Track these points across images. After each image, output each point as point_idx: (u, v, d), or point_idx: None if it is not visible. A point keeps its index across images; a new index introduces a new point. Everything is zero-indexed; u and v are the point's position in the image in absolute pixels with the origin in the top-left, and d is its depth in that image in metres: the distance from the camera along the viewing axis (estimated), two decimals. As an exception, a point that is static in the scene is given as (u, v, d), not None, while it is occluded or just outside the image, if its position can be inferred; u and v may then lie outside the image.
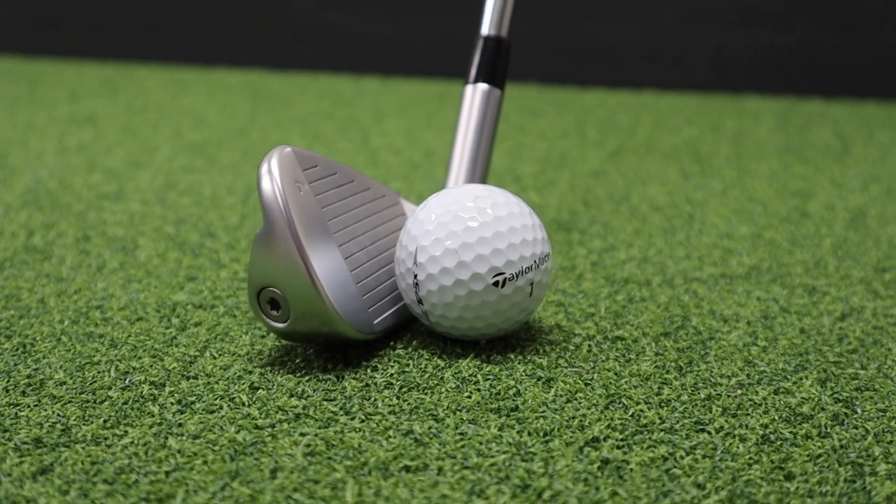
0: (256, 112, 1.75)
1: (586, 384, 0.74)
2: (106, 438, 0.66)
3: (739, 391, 0.73)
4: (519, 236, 0.77)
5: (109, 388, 0.73)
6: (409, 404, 0.71)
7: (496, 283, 0.76)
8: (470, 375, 0.75)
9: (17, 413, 0.69)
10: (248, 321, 0.84)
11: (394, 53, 2.10)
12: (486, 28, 0.98)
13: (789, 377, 0.75)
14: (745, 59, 1.94)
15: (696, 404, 0.71)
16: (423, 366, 0.76)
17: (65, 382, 0.73)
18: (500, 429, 0.68)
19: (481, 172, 0.94)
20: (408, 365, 0.76)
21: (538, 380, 0.74)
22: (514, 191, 1.17)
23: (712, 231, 1.11)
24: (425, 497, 0.60)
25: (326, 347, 0.79)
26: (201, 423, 0.68)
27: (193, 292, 0.90)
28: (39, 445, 0.65)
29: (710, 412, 0.70)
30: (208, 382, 0.73)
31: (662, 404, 0.71)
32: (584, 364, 0.77)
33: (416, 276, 0.77)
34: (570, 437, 0.67)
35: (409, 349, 0.79)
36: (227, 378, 0.74)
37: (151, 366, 0.76)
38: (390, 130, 1.61)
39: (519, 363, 0.77)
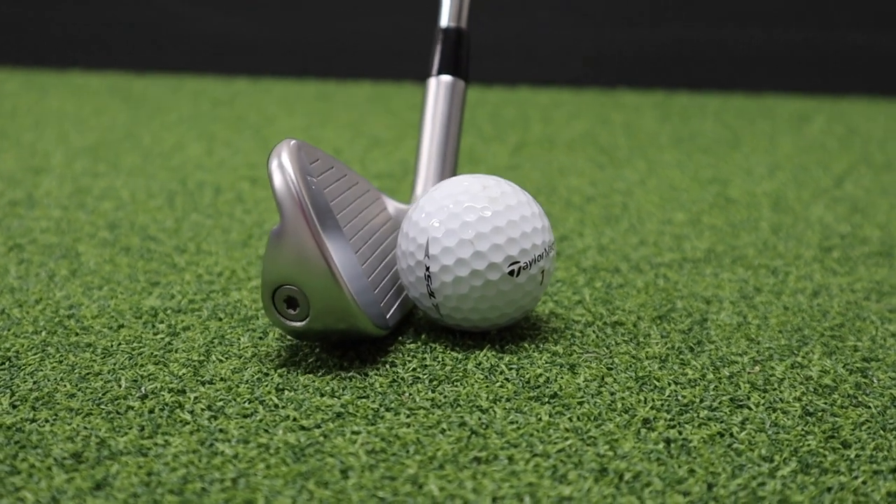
0: (137, 115, 1.70)
1: (609, 368, 0.74)
2: (150, 448, 0.63)
3: (757, 367, 0.75)
4: (530, 225, 0.77)
5: (125, 398, 0.69)
6: (445, 397, 0.70)
7: (511, 273, 0.75)
8: (493, 366, 0.74)
9: (38, 429, 0.65)
10: (238, 322, 0.82)
11: (261, 54, 2.06)
12: (445, 20, 0.97)
13: (796, 352, 0.77)
14: (615, 56, 1.99)
15: (723, 382, 0.73)
16: (440, 359, 0.76)
17: (74, 395, 0.69)
18: (550, 415, 0.67)
19: (451, 165, 0.93)
20: (425, 359, 0.75)
21: (561, 367, 0.74)
22: None
23: (652, 218, 1.13)
24: (511, 486, 0.59)
25: (335, 346, 0.77)
26: (242, 427, 0.66)
27: (165, 297, 0.86)
28: (82, 460, 0.62)
29: (740, 388, 0.71)
30: (229, 387, 0.71)
31: (692, 384, 0.72)
32: (598, 349, 0.77)
33: (427, 269, 0.76)
34: (621, 420, 0.67)
35: (419, 343, 0.78)
36: (247, 381, 0.71)
37: (160, 373, 0.74)
38: (287, 130, 1.58)
39: (534, 352, 0.77)
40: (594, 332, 0.81)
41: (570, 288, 0.90)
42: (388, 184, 1.25)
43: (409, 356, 0.75)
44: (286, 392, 0.70)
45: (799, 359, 0.76)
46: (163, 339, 0.78)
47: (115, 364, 0.74)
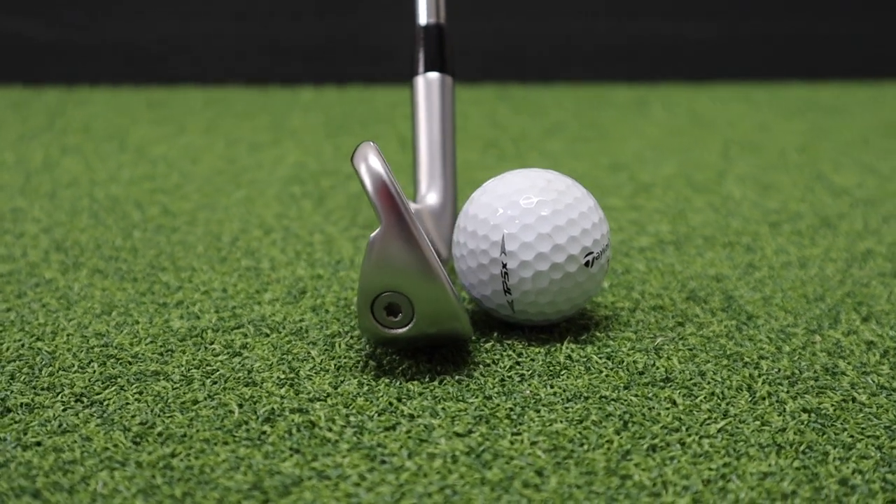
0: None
1: (689, 349, 0.77)
2: (325, 470, 0.61)
3: (818, 337, 0.79)
4: (596, 215, 0.78)
5: (247, 422, 0.67)
6: (566, 391, 0.71)
7: (587, 263, 0.77)
8: (585, 357, 0.75)
9: (188, 464, 0.62)
10: (291, 336, 0.80)
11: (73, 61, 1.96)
12: (424, 17, 0.96)
13: (840, 320, 0.83)
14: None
15: (802, 352, 0.78)
16: (527, 355, 0.77)
17: (191, 424, 0.65)
18: (683, 398, 0.69)
19: (451, 162, 0.93)
20: (512, 356, 0.76)
21: (646, 352, 0.76)
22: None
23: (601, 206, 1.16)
24: (708, 469, 0.61)
25: (410, 353, 0.76)
26: (397, 440, 0.64)
27: (190, 317, 0.82)
28: (265, 491, 0.58)
29: (821, 357, 0.76)
30: (345, 402, 0.69)
31: (776, 357, 0.76)
32: (664, 332, 0.79)
33: (504, 265, 0.76)
34: (747, 396, 0.70)
35: (492, 341, 0.79)
36: (360, 394, 0.70)
37: (261, 394, 0.71)
38: (138, 142, 1.51)
39: (609, 340, 0.80)
40: (645, 316, 0.84)
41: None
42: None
43: (495, 355, 0.75)
44: (409, 401, 0.68)
45: (848, 326, 0.81)
46: (229, 359, 0.74)
47: (205, 390, 0.71)
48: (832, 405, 0.68)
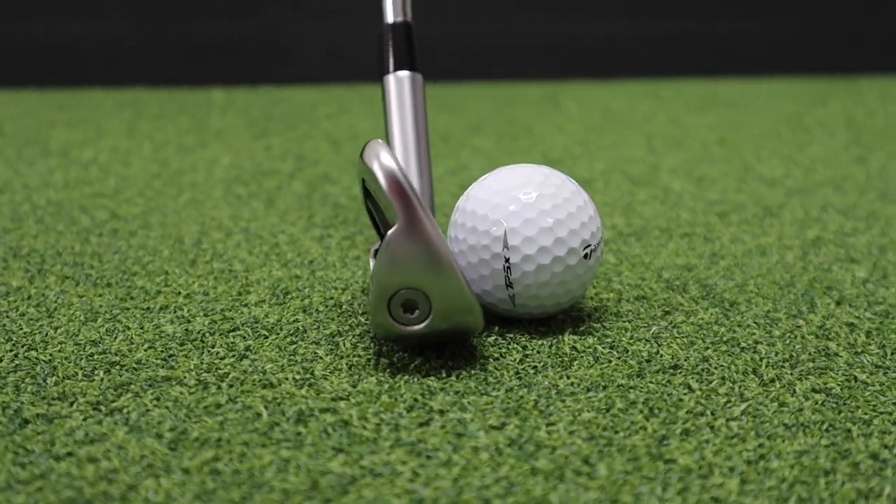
0: None
1: (686, 338, 0.80)
2: (377, 467, 0.61)
3: (802, 322, 0.83)
4: (591, 209, 0.80)
5: (279, 424, 0.67)
6: (582, 381, 0.72)
7: (585, 256, 0.79)
8: (590, 348, 0.77)
9: (250, 470, 0.62)
10: (291, 337, 0.80)
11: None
12: (391, 15, 0.97)
13: (816, 304, 0.87)
14: (345, 49, 2.02)
15: (792, 337, 0.81)
16: (532, 347, 0.78)
17: (222, 429, 0.65)
18: (698, 383, 0.72)
19: (427, 159, 0.94)
20: (517, 349, 0.77)
21: (646, 342, 0.79)
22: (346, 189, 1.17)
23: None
24: (749, 450, 0.63)
25: (421, 349, 0.76)
26: (436, 436, 0.65)
27: (180, 321, 0.82)
28: (325, 494, 0.58)
29: (812, 340, 0.79)
30: (369, 399, 0.69)
31: (769, 342, 0.79)
32: (656, 322, 0.82)
33: (507, 260, 0.77)
34: (756, 380, 0.73)
35: (494, 336, 0.80)
36: (383, 392, 0.70)
37: (283, 396, 0.70)
38: (61, 146, 1.48)
39: (608, 331, 0.81)
40: (632, 306, 0.86)
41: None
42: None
43: (502, 349, 0.77)
44: (433, 396, 0.69)
45: (824, 310, 0.84)
46: (237, 362, 0.74)
47: (224, 393, 0.70)
48: (838, 385, 0.71)
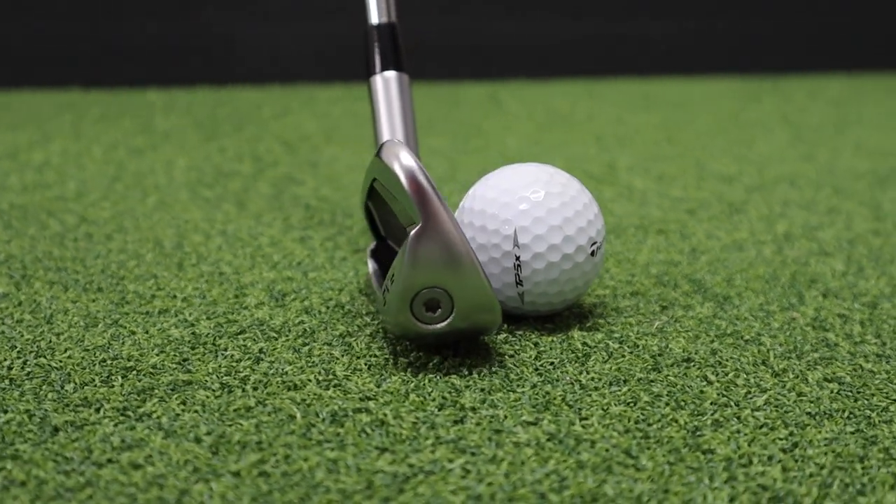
0: None
1: (689, 332, 0.82)
2: (426, 464, 0.62)
3: (797, 314, 0.85)
4: (595, 206, 0.82)
5: (315, 425, 0.66)
6: (605, 376, 0.74)
7: (592, 253, 0.80)
8: (599, 344, 0.79)
9: (299, 472, 0.62)
10: (302, 339, 0.80)
11: None
12: (375, 16, 0.97)
13: (805, 297, 0.89)
14: (280, 50, 2.01)
15: (789, 329, 0.83)
16: (542, 344, 0.79)
17: (261, 431, 0.65)
18: (715, 375, 0.74)
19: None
20: (530, 346, 0.78)
21: (653, 336, 0.80)
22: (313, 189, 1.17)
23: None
24: (781, 438, 0.65)
25: (430, 349, 0.77)
26: (474, 433, 0.66)
27: (185, 324, 0.81)
28: (382, 492, 0.59)
29: (810, 332, 0.82)
30: (401, 399, 0.70)
31: (772, 333, 0.81)
32: (657, 316, 0.84)
33: (517, 258, 0.79)
34: (767, 371, 0.75)
35: (504, 333, 0.80)
36: (411, 391, 0.71)
37: (311, 397, 0.70)
38: (8, 149, 1.45)
39: (611, 326, 0.83)
40: (629, 302, 0.87)
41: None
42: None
43: (515, 346, 0.78)
44: (460, 394, 0.70)
45: (813, 302, 0.87)
46: (254, 364, 0.74)
47: (250, 396, 0.70)
48: (847, 374, 0.73)
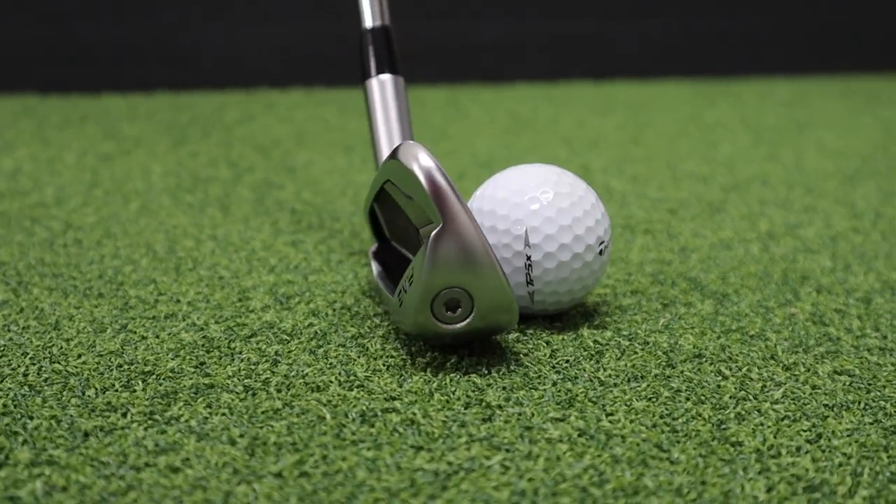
0: None
1: (694, 328, 0.83)
2: (464, 462, 0.62)
3: (795, 310, 0.88)
4: (602, 206, 0.84)
5: (345, 425, 0.67)
6: (622, 373, 0.75)
7: (600, 252, 0.82)
8: (610, 341, 0.80)
9: (340, 472, 0.62)
10: (315, 340, 0.80)
11: None
12: (369, 20, 0.98)
13: (799, 293, 0.92)
14: (235, 53, 2.00)
15: (791, 325, 0.85)
16: (554, 343, 0.80)
17: (292, 432, 0.66)
18: (728, 370, 0.75)
19: (412, 161, 0.95)
20: (544, 345, 0.79)
21: (660, 332, 0.82)
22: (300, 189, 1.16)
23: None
24: (805, 428, 0.67)
25: (445, 350, 0.78)
26: (504, 430, 0.66)
27: (195, 328, 0.81)
28: (427, 490, 0.60)
29: (812, 328, 0.84)
30: (426, 398, 0.70)
31: (775, 329, 0.83)
32: (661, 313, 0.86)
33: (529, 258, 0.80)
34: (777, 365, 0.77)
35: (515, 333, 0.81)
36: (434, 391, 0.71)
37: (335, 400, 0.71)
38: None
39: (615, 324, 0.84)
40: (630, 300, 0.89)
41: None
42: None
43: (527, 345, 0.79)
44: (483, 393, 0.71)
45: (808, 298, 0.90)
46: (272, 367, 0.74)
47: (276, 398, 0.70)
48: (854, 367, 0.75)
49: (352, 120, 1.67)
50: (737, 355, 0.76)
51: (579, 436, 0.64)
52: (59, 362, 0.73)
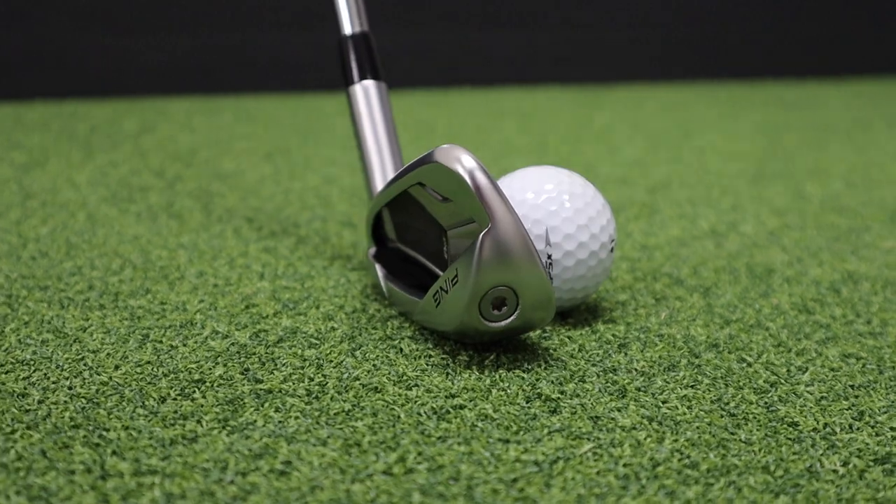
0: None
1: (694, 320, 0.88)
2: (552, 451, 0.66)
3: (776, 300, 0.94)
4: (608, 207, 0.88)
5: (427, 421, 0.69)
6: (656, 364, 0.79)
7: (611, 250, 0.87)
8: (628, 335, 0.84)
9: (441, 468, 0.64)
10: (328, 343, 0.81)
11: None
12: (348, 27, 1.00)
13: (772, 286, 0.97)
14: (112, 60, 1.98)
15: (776, 314, 0.90)
16: (574, 339, 0.83)
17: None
18: (744, 360, 0.81)
19: (400, 163, 0.97)
20: (563, 341, 0.82)
21: (668, 325, 0.87)
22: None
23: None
24: (815, 414, 0.73)
25: (477, 347, 0.80)
26: (576, 421, 0.70)
27: (217, 337, 0.82)
28: (529, 481, 0.63)
29: (801, 314, 0.91)
30: (486, 395, 0.73)
31: (771, 318, 0.89)
32: (661, 309, 0.91)
33: (550, 256, 0.84)
34: (784, 353, 0.82)
35: (552, 328, 0.84)
36: (489, 387, 0.74)
37: (398, 400, 0.72)
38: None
39: (626, 319, 0.88)
40: (626, 297, 0.92)
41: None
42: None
43: (550, 341, 0.82)
44: (533, 387, 0.74)
45: (784, 289, 0.96)
46: (321, 370, 0.75)
47: (343, 400, 0.72)
48: (856, 350, 0.81)
49: (257, 127, 1.66)
50: (749, 343, 0.81)
51: (649, 422, 0.67)
52: (99, 373, 0.72)
